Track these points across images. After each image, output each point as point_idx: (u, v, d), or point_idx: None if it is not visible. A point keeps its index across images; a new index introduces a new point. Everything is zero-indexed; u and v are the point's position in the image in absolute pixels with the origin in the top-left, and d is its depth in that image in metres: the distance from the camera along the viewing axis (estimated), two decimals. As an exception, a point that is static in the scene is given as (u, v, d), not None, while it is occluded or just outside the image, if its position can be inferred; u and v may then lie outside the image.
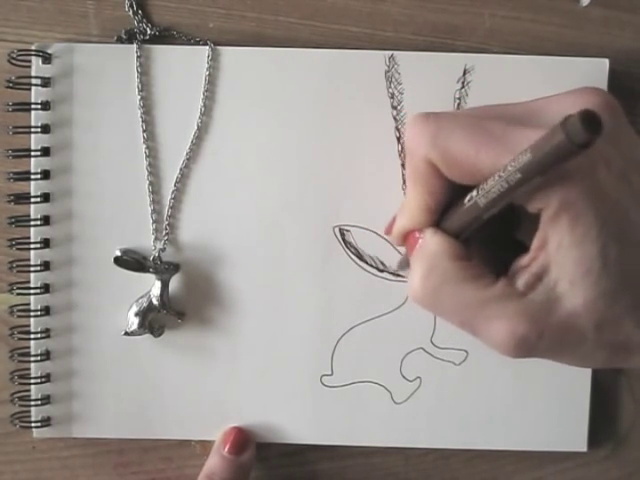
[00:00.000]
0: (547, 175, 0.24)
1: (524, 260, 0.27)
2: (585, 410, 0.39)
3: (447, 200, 0.29)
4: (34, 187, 0.37)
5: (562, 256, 0.26)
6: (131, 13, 0.38)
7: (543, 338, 0.26)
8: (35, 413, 0.38)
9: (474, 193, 0.27)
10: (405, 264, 0.36)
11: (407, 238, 0.31)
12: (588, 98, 0.28)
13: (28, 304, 0.38)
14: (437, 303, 0.28)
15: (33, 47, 0.37)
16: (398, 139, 0.38)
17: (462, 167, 0.27)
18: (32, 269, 0.37)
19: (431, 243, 0.29)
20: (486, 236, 0.30)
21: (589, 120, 0.22)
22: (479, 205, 0.27)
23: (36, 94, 0.37)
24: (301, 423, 0.39)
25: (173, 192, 0.38)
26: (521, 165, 0.24)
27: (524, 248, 0.28)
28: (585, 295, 0.26)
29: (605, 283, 0.26)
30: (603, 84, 0.37)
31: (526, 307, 0.26)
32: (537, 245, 0.27)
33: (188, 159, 0.38)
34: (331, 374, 0.39)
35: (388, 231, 0.34)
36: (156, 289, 0.37)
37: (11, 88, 0.37)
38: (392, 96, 0.37)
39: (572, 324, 0.26)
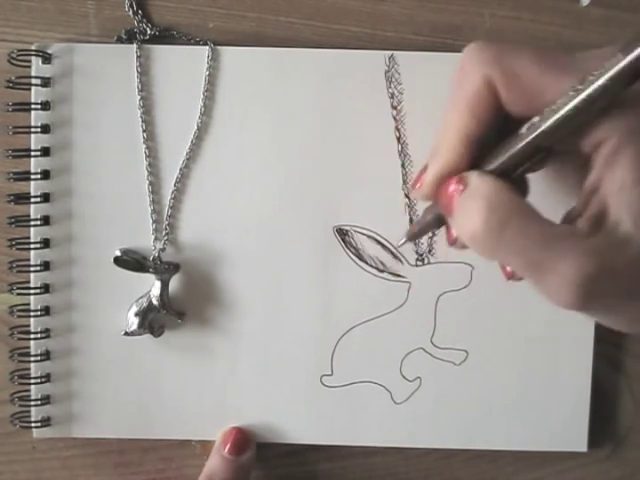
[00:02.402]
0: (610, 102, 0.24)
1: (577, 207, 0.26)
2: (585, 410, 0.39)
3: (486, 140, 0.28)
4: (34, 187, 0.37)
5: (624, 196, 0.24)
6: (131, 13, 0.38)
7: (613, 279, 0.24)
8: (35, 413, 0.38)
9: (535, 119, 0.26)
10: (415, 235, 0.32)
11: (443, 187, 0.28)
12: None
13: (28, 304, 0.38)
14: (502, 242, 0.26)
15: (33, 47, 0.37)
16: (398, 139, 0.38)
17: (524, 87, 0.26)
18: (32, 269, 0.37)
19: (483, 183, 0.27)
20: None
21: None
22: (541, 130, 0.25)
23: (36, 94, 0.37)
24: (301, 423, 0.39)
25: (173, 192, 0.38)
26: (588, 85, 0.24)
27: None
28: None
29: None
30: (603, 84, 0.37)
31: (595, 245, 0.24)
32: (589, 189, 0.25)
33: (188, 159, 0.38)
34: (331, 374, 0.39)
35: (416, 184, 0.30)
36: (156, 289, 0.37)
37: (11, 88, 0.37)
38: (392, 96, 0.37)
39: None
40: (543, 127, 0.25)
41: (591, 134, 0.25)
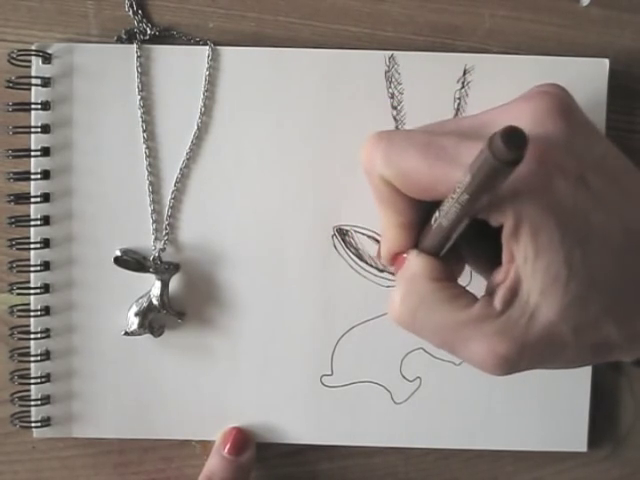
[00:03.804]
0: (493, 192, 0.24)
1: (499, 275, 0.27)
2: (585, 410, 0.39)
3: (420, 216, 0.29)
4: (34, 187, 0.37)
5: (529, 267, 0.26)
6: (131, 13, 0.38)
7: (524, 354, 0.26)
8: (35, 413, 0.38)
9: (437, 214, 0.27)
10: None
11: (395, 260, 0.31)
12: (537, 104, 0.27)
13: (28, 304, 0.38)
14: (415, 324, 0.28)
15: (33, 47, 0.37)
16: (398, 139, 0.38)
17: (417, 184, 0.27)
18: (32, 269, 0.37)
19: (413, 264, 0.29)
20: (478, 247, 0.30)
21: (511, 137, 0.21)
22: (443, 226, 0.27)
23: (36, 94, 0.37)
24: (301, 423, 0.39)
25: (173, 192, 0.38)
26: (464, 186, 0.24)
27: None
28: (557, 303, 0.25)
29: (575, 288, 0.25)
30: (603, 84, 0.37)
31: (504, 326, 0.26)
32: (507, 259, 0.26)
33: (188, 159, 0.38)
34: (331, 374, 0.39)
35: (379, 254, 0.34)
36: (156, 289, 0.37)
37: (11, 88, 0.37)
38: (392, 96, 0.37)
39: (551, 334, 0.26)
40: (443, 224, 0.27)
41: (492, 216, 0.26)
